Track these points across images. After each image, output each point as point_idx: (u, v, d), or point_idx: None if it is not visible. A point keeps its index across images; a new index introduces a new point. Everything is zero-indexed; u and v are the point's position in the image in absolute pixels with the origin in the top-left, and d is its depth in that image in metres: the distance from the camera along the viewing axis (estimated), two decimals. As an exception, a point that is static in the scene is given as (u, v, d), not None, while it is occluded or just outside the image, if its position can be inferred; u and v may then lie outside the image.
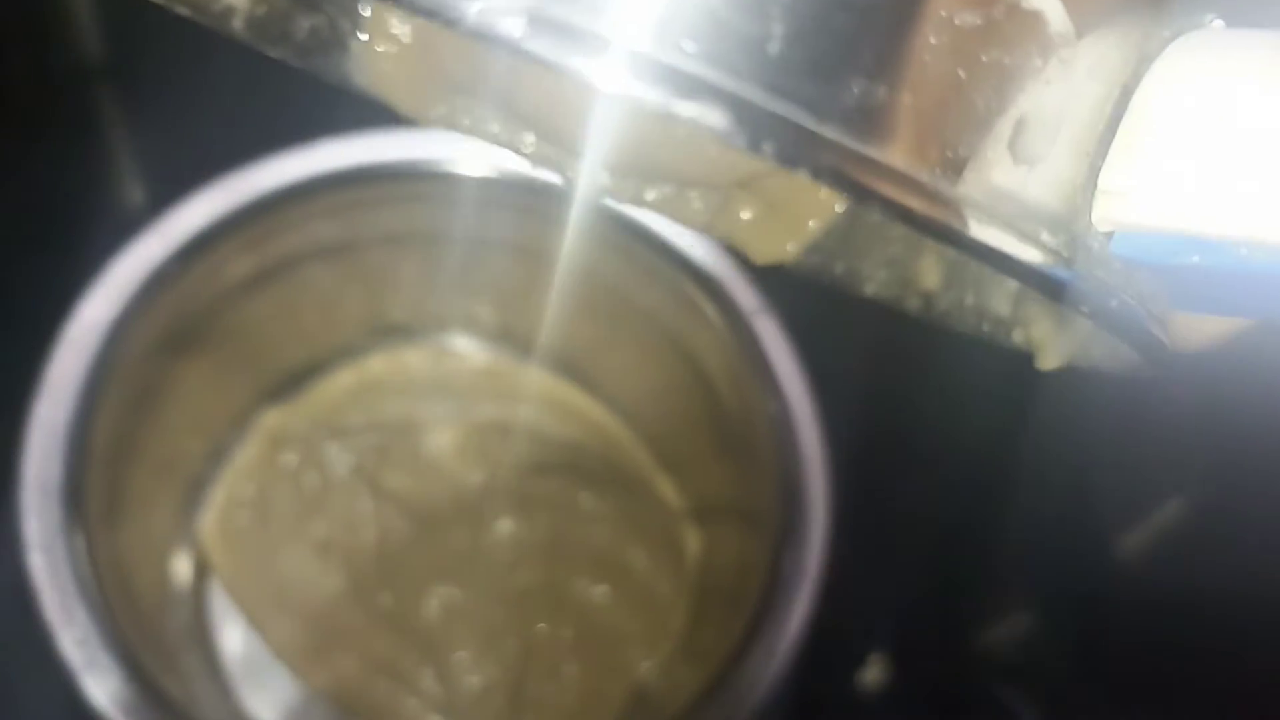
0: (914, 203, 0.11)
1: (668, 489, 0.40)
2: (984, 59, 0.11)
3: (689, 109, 0.10)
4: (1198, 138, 0.12)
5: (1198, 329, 0.14)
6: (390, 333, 0.42)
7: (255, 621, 0.36)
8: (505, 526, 0.38)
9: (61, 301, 0.33)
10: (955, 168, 0.11)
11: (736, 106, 0.10)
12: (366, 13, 0.18)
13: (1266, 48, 0.12)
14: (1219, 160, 0.12)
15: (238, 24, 0.18)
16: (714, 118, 0.10)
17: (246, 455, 0.39)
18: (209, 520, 0.38)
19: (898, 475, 0.38)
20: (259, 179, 0.36)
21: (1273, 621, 0.31)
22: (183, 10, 0.18)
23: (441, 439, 0.39)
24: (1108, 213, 0.12)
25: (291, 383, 0.41)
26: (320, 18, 0.19)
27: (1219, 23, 0.12)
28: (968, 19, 0.10)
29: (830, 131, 0.11)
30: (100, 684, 0.29)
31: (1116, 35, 0.12)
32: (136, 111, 0.47)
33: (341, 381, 0.41)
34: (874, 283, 0.19)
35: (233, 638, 0.37)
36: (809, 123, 0.11)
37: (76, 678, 0.29)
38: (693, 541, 0.39)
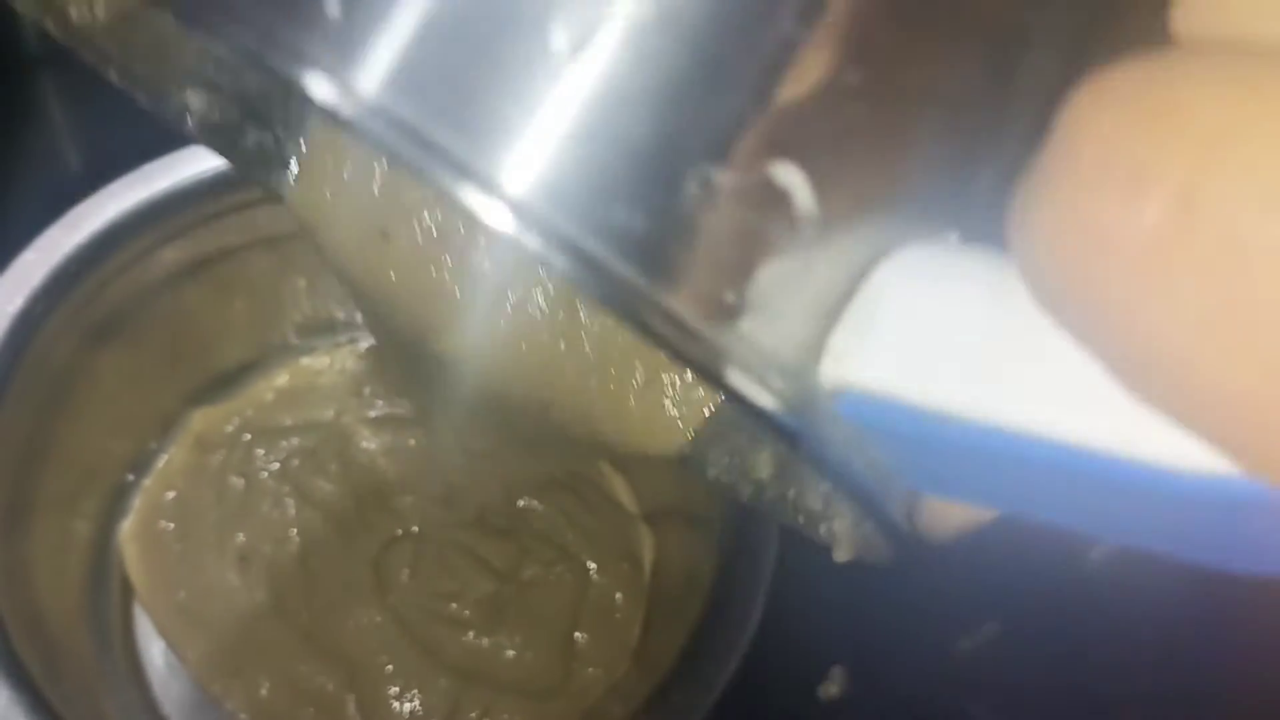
0: (685, 344, 0.11)
1: (622, 490, 0.38)
2: (735, 215, 0.11)
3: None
4: (926, 324, 0.12)
5: (945, 515, 0.14)
6: (328, 329, 0.40)
7: (171, 638, 0.34)
8: (444, 537, 0.36)
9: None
10: (727, 313, 0.12)
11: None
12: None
13: (997, 266, 0.12)
14: (946, 345, 0.12)
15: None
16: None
17: (171, 459, 0.37)
18: (127, 528, 0.36)
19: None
20: (179, 167, 0.34)
21: (1242, 631, 0.30)
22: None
23: (375, 441, 0.37)
24: (835, 372, 0.13)
25: (222, 382, 0.39)
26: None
27: (955, 238, 0.13)
28: (725, 178, 0.11)
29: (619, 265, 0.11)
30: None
31: (860, 230, 0.13)
32: (78, 99, 0.46)
33: (274, 381, 0.39)
34: (716, 468, 0.21)
35: (158, 654, 0.35)
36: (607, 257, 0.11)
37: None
38: (648, 548, 0.37)
